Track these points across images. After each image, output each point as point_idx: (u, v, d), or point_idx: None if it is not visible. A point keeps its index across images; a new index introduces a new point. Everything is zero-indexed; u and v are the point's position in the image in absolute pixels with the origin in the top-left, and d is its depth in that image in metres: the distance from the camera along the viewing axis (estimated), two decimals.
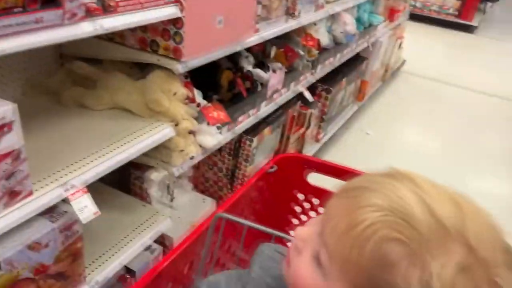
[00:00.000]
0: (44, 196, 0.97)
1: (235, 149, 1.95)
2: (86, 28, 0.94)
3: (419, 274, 0.42)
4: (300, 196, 1.40)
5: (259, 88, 1.82)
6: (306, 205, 1.40)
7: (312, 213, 1.40)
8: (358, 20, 2.80)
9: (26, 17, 0.81)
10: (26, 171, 0.91)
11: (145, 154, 1.46)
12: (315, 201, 1.37)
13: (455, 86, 4.61)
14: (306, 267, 0.52)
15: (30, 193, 0.95)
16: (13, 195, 0.90)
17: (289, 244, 0.58)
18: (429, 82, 4.66)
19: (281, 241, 0.75)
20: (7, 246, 0.92)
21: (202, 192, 2.06)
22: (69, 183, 1.03)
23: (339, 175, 1.22)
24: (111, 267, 1.28)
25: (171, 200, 1.78)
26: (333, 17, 2.46)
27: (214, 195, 2.05)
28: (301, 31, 2.15)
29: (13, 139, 0.85)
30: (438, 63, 5.25)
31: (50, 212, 1.01)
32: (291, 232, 1.18)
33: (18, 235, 0.94)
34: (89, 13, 0.95)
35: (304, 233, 0.55)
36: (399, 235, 0.43)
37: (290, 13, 1.85)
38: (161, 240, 1.60)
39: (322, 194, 1.32)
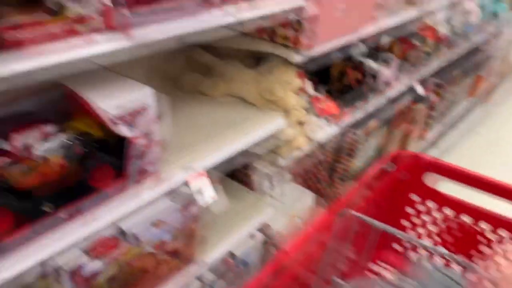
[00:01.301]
0: (168, 178, 1.02)
1: (338, 142, 1.89)
2: (225, 19, 0.96)
3: None
4: (416, 198, 1.30)
5: (371, 80, 1.73)
6: (421, 208, 1.30)
7: (425, 217, 1.30)
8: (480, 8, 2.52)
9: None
10: (157, 153, 0.96)
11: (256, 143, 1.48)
12: (431, 204, 1.27)
13: None
14: None
15: (158, 174, 1.00)
16: (142, 173, 0.96)
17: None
18: None
19: (397, 240, 0.68)
20: (135, 223, 0.98)
21: (300, 183, 2.03)
22: (191, 167, 1.07)
23: (466, 182, 1.11)
24: (218, 251, 1.32)
25: (272, 189, 1.78)
26: (454, 5, 2.24)
27: (312, 187, 2.01)
28: (418, 19, 1.99)
29: (149, 122, 0.90)
30: None
31: (172, 193, 1.05)
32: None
33: (144, 213, 1.00)
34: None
35: None
36: None
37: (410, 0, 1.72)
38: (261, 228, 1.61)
39: (441, 198, 1.21)
